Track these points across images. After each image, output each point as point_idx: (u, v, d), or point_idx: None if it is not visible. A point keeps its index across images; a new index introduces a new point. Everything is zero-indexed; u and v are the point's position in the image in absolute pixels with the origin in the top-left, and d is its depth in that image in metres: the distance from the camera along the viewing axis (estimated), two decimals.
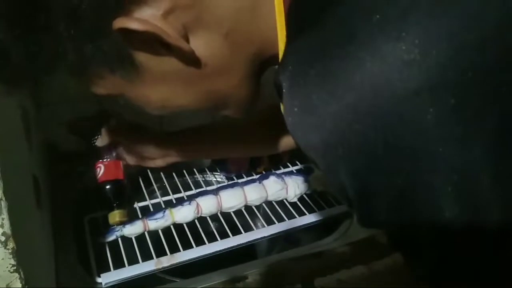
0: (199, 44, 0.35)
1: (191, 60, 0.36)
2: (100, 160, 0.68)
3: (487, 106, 0.25)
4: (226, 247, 0.66)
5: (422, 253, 0.33)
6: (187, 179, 0.80)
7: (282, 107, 0.36)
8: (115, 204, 0.65)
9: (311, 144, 0.31)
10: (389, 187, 0.29)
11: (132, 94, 0.40)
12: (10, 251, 0.37)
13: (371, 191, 0.30)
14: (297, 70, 0.31)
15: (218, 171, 0.83)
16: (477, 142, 0.26)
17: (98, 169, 0.67)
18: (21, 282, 0.39)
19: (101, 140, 0.69)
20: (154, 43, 0.33)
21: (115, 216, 0.64)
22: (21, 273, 0.38)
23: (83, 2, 0.30)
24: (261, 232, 0.69)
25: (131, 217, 0.67)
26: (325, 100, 0.28)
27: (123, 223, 0.65)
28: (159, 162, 0.71)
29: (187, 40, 0.35)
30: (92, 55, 0.33)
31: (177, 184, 0.77)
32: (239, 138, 0.72)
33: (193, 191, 0.76)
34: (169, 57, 0.35)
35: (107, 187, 0.66)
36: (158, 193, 0.76)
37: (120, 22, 0.31)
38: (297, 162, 0.87)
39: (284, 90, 0.32)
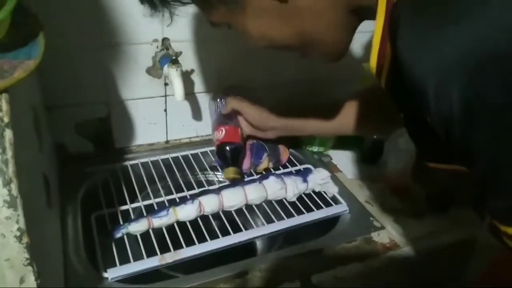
0: None
1: None
2: (222, 125, 0.78)
3: None
4: (227, 244, 0.68)
5: None
6: (189, 179, 0.82)
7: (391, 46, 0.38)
8: (231, 162, 0.74)
9: (426, 72, 0.32)
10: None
11: (236, 24, 0.48)
12: (24, 245, 0.39)
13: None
14: (417, 6, 0.34)
15: (220, 171, 0.85)
16: None
17: (220, 132, 0.78)
18: (34, 275, 0.41)
19: (225, 108, 0.80)
20: None
21: (229, 171, 0.74)
22: (34, 266, 0.40)
23: None
24: (261, 230, 0.72)
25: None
26: (444, 38, 0.31)
27: (235, 180, 0.74)
28: (269, 134, 0.80)
29: None
30: None
31: (180, 184, 0.80)
32: (341, 118, 0.77)
33: (196, 190, 0.78)
34: None
35: (227, 147, 0.76)
36: (162, 192, 0.78)
37: None
38: (296, 163, 0.90)
39: (402, 22, 0.34)
